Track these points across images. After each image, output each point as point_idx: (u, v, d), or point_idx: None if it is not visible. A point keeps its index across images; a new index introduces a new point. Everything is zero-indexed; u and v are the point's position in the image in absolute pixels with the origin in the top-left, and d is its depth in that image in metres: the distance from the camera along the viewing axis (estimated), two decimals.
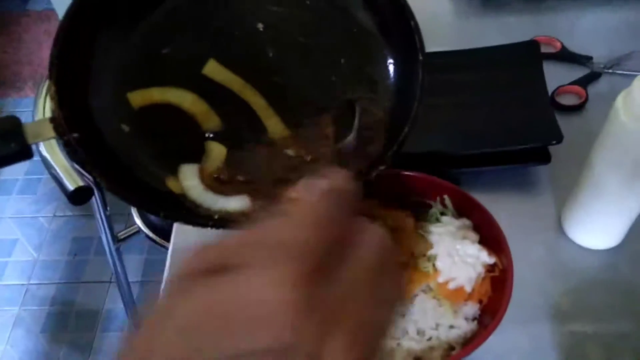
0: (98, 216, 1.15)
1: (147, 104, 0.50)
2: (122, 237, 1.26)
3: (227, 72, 0.51)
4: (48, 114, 0.82)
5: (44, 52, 2.16)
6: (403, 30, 0.50)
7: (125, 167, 0.48)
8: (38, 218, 1.81)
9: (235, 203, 0.48)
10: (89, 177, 0.87)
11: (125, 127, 0.49)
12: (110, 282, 1.63)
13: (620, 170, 0.52)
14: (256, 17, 0.53)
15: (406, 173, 0.58)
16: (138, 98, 0.49)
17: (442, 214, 0.58)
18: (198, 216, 0.45)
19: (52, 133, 0.43)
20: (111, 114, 0.49)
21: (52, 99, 0.44)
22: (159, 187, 0.48)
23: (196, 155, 0.49)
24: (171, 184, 0.48)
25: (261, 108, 0.51)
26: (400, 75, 0.53)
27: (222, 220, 0.45)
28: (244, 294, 0.20)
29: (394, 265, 0.26)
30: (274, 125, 0.51)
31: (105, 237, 1.20)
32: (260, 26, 0.53)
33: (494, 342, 0.48)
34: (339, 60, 0.53)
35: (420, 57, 0.49)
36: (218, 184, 0.49)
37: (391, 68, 0.53)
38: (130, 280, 1.42)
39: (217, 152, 0.50)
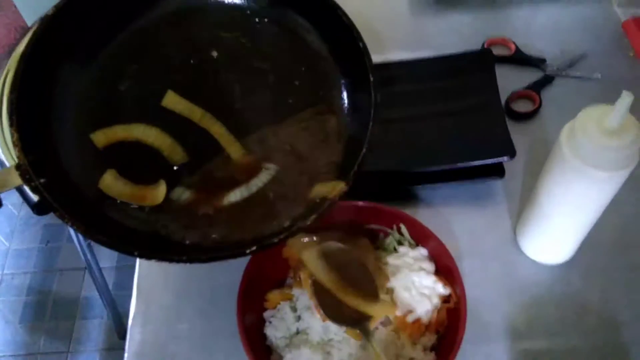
0: None
1: (111, 142, 0.49)
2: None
3: (185, 103, 0.51)
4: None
5: None
6: (352, 52, 0.50)
7: (95, 208, 0.47)
8: (7, 206, 1.78)
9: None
10: None
11: (94, 167, 0.48)
12: (85, 268, 1.63)
13: (564, 202, 0.53)
14: (210, 44, 0.54)
15: (363, 204, 0.59)
16: (102, 137, 0.49)
17: (399, 242, 0.60)
18: (171, 253, 0.45)
19: (18, 180, 0.43)
20: (77, 155, 0.48)
21: (15, 146, 0.43)
22: (130, 224, 0.48)
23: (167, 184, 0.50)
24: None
25: (221, 135, 0.52)
26: (354, 95, 0.53)
27: (195, 255, 0.45)
28: None
29: None
30: (235, 152, 0.51)
31: (74, 230, 1.19)
32: (214, 54, 0.54)
33: None
34: (294, 82, 0.54)
35: (371, 78, 0.49)
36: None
37: (344, 89, 0.54)
38: (104, 266, 1.43)
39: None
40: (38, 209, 0.92)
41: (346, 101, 0.54)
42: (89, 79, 0.50)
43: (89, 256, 1.30)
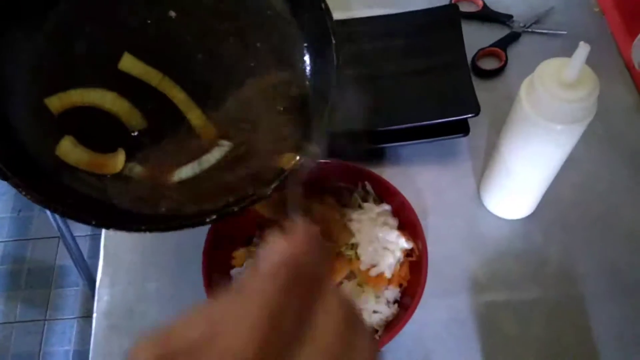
0: None
1: (67, 108, 0.48)
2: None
3: (143, 66, 0.50)
4: None
5: None
6: (314, 12, 0.49)
7: (52, 177, 0.46)
8: None
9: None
10: None
11: (50, 135, 0.47)
12: (59, 237, 1.62)
13: (524, 155, 0.54)
14: (168, 3, 0.51)
15: (328, 161, 0.59)
16: (57, 102, 0.47)
17: (364, 199, 0.60)
18: (130, 222, 0.44)
19: None
20: (32, 122, 0.46)
21: None
22: (87, 193, 0.47)
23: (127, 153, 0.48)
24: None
25: (181, 101, 0.50)
26: (316, 59, 0.52)
27: (154, 225, 0.45)
28: None
29: (361, 332, 0.26)
30: (196, 118, 0.50)
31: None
32: (172, 14, 0.51)
33: (416, 315, 0.52)
34: (255, 44, 0.52)
35: (333, 41, 0.48)
36: None
37: (306, 52, 0.53)
38: (77, 234, 1.42)
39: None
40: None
41: (308, 64, 0.52)
42: (40, 41, 0.48)
43: (61, 225, 1.29)
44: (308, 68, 0.52)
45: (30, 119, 0.47)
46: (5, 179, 0.42)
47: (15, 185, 0.41)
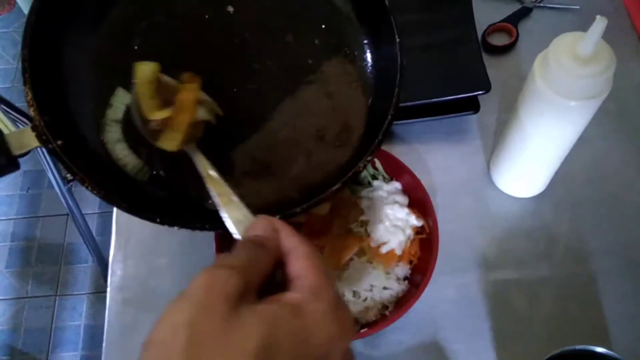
0: (44, 161, 1.13)
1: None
2: (71, 177, 1.25)
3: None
4: None
5: None
6: (377, 10, 0.48)
7: (113, 170, 0.46)
8: None
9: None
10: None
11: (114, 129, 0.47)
12: (68, 215, 1.63)
13: (537, 132, 0.54)
14: None
15: None
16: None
17: (374, 177, 0.60)
18: (195, 220, 0.43)
19: (35, 142, 0.41)
20: (93, 115, 0.47)
21: (30, 105, 0.42)
22: (148, 188, 0.46)
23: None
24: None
25: None
26: (377, 57, 0.50)
27: (217, 224, 0.42)
28: None
29: None
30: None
31: (54, 179, 1.19)
32: (230, 9, 0.50)
33: (425, 293, 0.52)
34: (314, 41, 0.50)
35: (397, 39, 0.47)
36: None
37: (367, 49, 0.51)
38: (86, 212, 1.43)
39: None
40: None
41: (369, 62, 0.51)
42: (101, 37, 0.48)
43: (70, 203, 1.30)
44: (369, 66, 0.51)
45: (92, 111, 0.47)
46: (72, 174, 0.42)
47: (81, 181, 0.42)
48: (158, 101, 0.42)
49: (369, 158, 0.44)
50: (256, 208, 0.38)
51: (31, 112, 0.42)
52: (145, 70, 0.42)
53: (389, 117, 0.45)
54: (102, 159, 0.46)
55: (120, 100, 0.47)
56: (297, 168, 0.48)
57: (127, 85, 0.45)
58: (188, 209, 0.47)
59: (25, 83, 0.42)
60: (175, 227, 0.42)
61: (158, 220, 0.42)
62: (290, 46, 0.50)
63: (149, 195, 0.46)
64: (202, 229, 0.43)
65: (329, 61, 0.50)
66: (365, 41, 0.51)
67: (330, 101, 0.50)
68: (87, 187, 0.42)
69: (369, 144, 0.45)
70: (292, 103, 0.49)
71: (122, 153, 0.47)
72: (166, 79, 0.43)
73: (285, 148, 0.49)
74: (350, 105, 0.50)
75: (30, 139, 0.42)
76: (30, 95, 0.42)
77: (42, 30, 0.43)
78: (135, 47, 0.48)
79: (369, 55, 0.51)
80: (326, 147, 0.49)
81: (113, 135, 0.47)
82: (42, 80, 0.43)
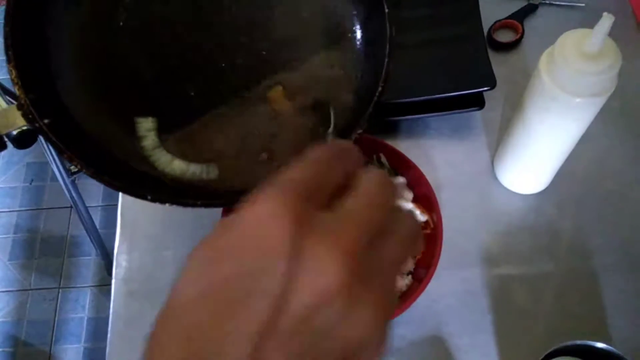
0: (48, 153, 1.13)
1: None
2: (75, 169, 1.25)
3: None
4: None
5: None
6: None
7: (103, 149, 0.46)
8: None
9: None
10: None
11: (96, 104, 0.47)
12: (71, 207, 1.64)
13: (541, 129, 0.54)
14: None
15: None
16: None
17: None
18: (184, 197, 0.44)
19: (21, 121, 0.41)
20: (78, 91, 0.46)
21: (15, 84, 0.41)
22: (137, 166, 0.46)
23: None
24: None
25: None
26: (366, 30, 0.51)
27: (210, 200, 0.44)
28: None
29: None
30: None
31: (58, 171, 1.19)
32: None
33: (429, 287, 0.52)
34: (302, 14, 0.51)
35: (386, 10, 0.46)
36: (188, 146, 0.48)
37: (356, 21, 0.51)
38: (90, 205, 1.43)
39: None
40: (18, 142, 0.91)
41: (359, 35, 0.51)
42: (83, 14, 0.47)
43: (74, 195, 1.31)
44: (358, 39, 0.51)
45: (78, 87, 0.47)
46: (61, 152, 0.42)
47: (69, 159, 0.41)
48: None
49: (360, 131, 0.45)
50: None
51: (16, 90, 0.41)
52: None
53: (379, 89, 0.46)
54: (92, 137, 0.46)
55: None
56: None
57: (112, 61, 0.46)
58: (179, 188, 0.47)
59: (8, 61, 0.41)
60: (167, 204, 0.42)
61: (149, 197, 0.42)
62: (280, 19, 0.51)
63: (139, 173, 0.46)
64: (193, 205, 0.43)
65: (318, 33, 0.51)
66: (354, 12, 0.51)
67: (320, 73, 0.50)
68: (76, 166, 0.41)
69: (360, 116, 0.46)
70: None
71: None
72: None
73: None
74: (340, 80, 0.50)
75: (16, 118, 0.41)
76: (14, 74, 0.41)
77: (24, 7, 0.43)
78: (121, 24, 0.48)
79: (357, 27, 0.51)
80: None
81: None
82: (27, 58, 0.43)
